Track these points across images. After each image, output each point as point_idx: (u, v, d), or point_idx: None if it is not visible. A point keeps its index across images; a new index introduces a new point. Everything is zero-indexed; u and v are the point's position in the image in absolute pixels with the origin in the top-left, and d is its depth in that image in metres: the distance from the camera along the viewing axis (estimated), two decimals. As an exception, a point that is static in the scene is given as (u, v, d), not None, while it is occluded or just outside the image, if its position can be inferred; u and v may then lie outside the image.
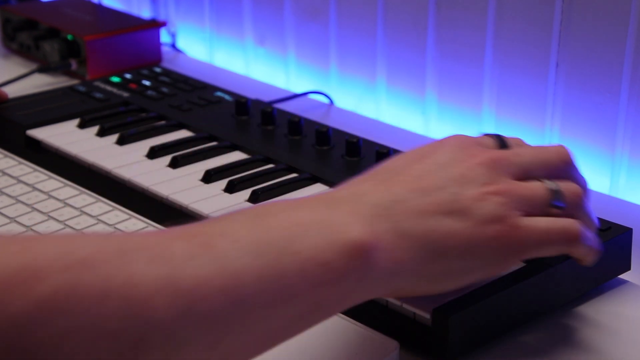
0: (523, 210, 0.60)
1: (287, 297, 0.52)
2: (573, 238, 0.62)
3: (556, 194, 0.61)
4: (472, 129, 1.06)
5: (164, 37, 1.38)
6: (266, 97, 1.10)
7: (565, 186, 0.62)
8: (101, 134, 0.96)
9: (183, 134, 0.97)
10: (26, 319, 0.43)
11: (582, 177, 0.66)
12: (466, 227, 0.58)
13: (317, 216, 0.55)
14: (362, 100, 1.17)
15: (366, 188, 0.59)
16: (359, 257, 0.54)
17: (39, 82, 1.21)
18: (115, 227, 0.79)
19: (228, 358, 0.51)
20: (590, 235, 0.63)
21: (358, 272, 0.54)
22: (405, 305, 0.65)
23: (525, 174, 0.62)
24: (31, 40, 1.28)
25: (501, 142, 0.65)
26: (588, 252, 0.63)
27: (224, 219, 0.54)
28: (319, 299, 0.53)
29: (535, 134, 1.00)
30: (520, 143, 0.66)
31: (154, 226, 0.79)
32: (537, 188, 0.61)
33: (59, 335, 0.44)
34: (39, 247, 0.46)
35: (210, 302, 0.48)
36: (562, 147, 0.65)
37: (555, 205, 0.61)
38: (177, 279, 0.48)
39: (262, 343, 0.53)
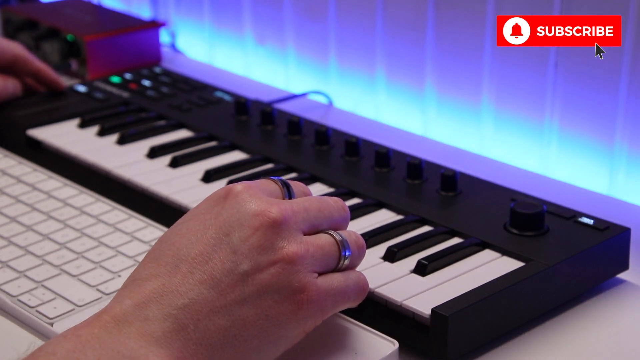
0: (318, 269, 0.59)
1: None
2: (364, 291, 0.62)
3: (343, 244, 0.61)
4: (472, 123, 1.06)
5: (164, 37, 1.38)
6: (266, 97, 1.10)
7: (347, 235, 0.62)
8: (101, 133, 0.97)
9: (183, 133, 0.97)
10: None
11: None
12: (262, 310, 0.56)
13: (106, 354, 0.52)
14: (362, 94, 1.17)
15: (150, 291, 0.56)
16: None
17: (39, 82, 1.21)
18: (115, 227, 0.79)
19: None
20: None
21: None
22: (404, 305, 0.66)
23: (313, 228, 0.61)
24: (31, 41, 1.28)
25: (287, 189, 0.63)
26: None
27: None
28: None
29: (535, 128, 1.00)
30: (304, 191, 0.64)
31: (153, 226, 0.79)
32: (326, 242, 0.60)
33: None
34: None
35: None
36: (339, 199, 0.64)
37: (344, 255, 0.61)
38: None
39: None
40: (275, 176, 0.64)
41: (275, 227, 0.57)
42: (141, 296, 0.56)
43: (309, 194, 0.65)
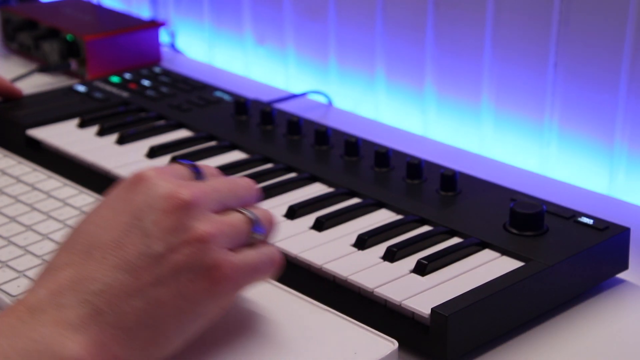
0: (231, 246, 0.59)
1: None
2: (278, 265, 0.62)
3: (255, 221, 0.61)
4: (472, 123, 1.06)
5: (164, 37, 1.38)
6: (265, 97, 1.10)
7: (259, 212, 0.62)
8: (101, 133, 0.97)
9: (182, 133, 0.97)
10: None
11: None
12: (178, 290, 0.57)
13: (20, 342, 0.53)
14: (362, 93, 1.18)
15: (64, 279, 0.56)
16: None
17: (39, 82, 1.21)
18: (114, 227, 0.79)
19: None
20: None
21: None
22: (404, 305, 0.66)
23: (223, 207, 0.61)
24: (31, 41, 1.28)
25: (196, 173, 0.63)
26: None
27: None
28: None
29: (535, 128, 1.00)
30: (214, 173, 0.65)
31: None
32: (238, 220, 0.61)
33: None
34: None
35: None
36: (249, 179, 0.64)
37: (256, 231, 0.61)
38: None
39: None
40: (184, 159, 0.64)
41: (187, 208, 0.58)
42: (55, 285, 0.56)
43: (218, 175, 0.65)
